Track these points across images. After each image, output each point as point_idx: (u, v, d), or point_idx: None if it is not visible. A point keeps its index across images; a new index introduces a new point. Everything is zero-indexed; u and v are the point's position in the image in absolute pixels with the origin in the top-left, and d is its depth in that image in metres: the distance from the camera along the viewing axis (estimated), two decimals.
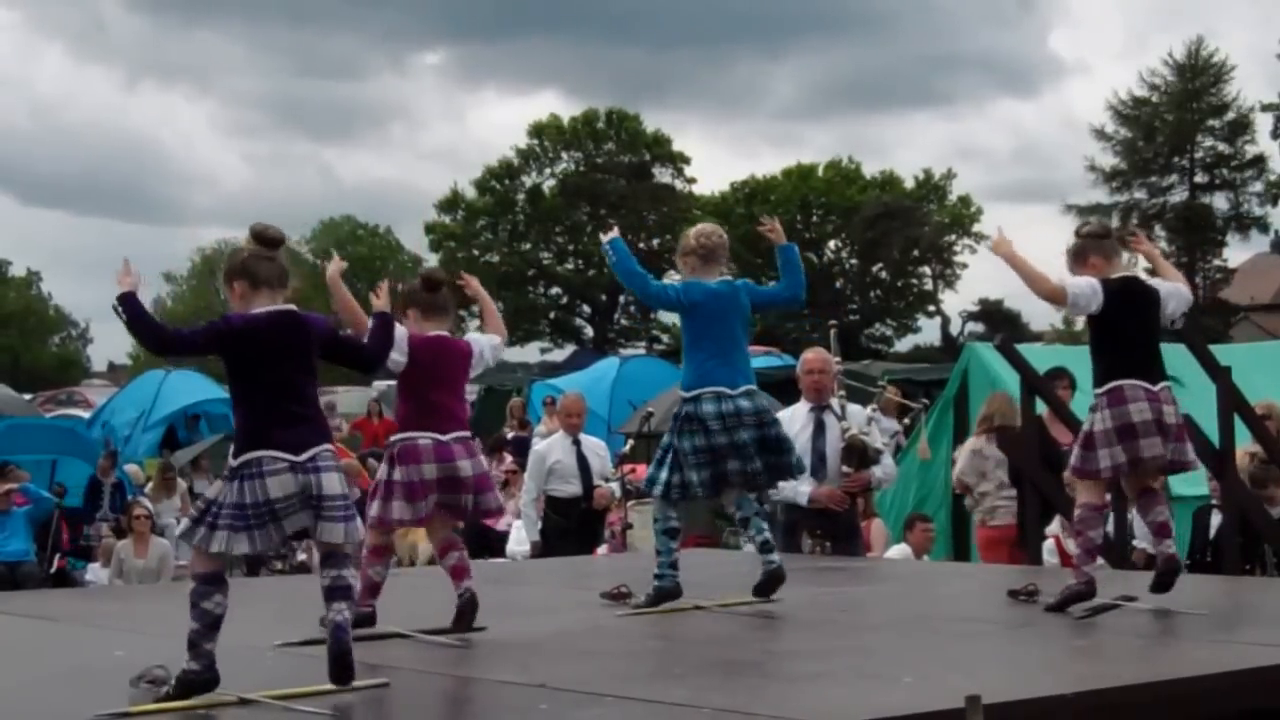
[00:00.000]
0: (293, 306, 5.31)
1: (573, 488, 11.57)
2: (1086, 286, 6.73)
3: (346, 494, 5.26)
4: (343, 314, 6.61)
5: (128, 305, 5.13)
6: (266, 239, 5.34)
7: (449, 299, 6.74)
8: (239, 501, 5.05)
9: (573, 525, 11.55)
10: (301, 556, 14.42)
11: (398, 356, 6.32)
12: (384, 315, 5.77)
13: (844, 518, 9.51)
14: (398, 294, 6.41)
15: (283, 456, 5.07)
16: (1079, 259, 6.90)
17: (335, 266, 6.42)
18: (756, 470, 7.06)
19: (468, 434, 6.55)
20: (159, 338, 5.32)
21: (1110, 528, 10.49)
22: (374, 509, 6.39)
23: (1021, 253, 6.92)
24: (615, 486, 12.22)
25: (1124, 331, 6.77)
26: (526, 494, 11.93)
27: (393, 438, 6.54)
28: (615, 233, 7.23)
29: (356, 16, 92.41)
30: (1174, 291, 6.97)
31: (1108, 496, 7.37)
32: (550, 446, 11.86)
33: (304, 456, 5.09)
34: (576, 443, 11.71)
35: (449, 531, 6.57)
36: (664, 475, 7.07)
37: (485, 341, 6.82)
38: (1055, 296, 6.87)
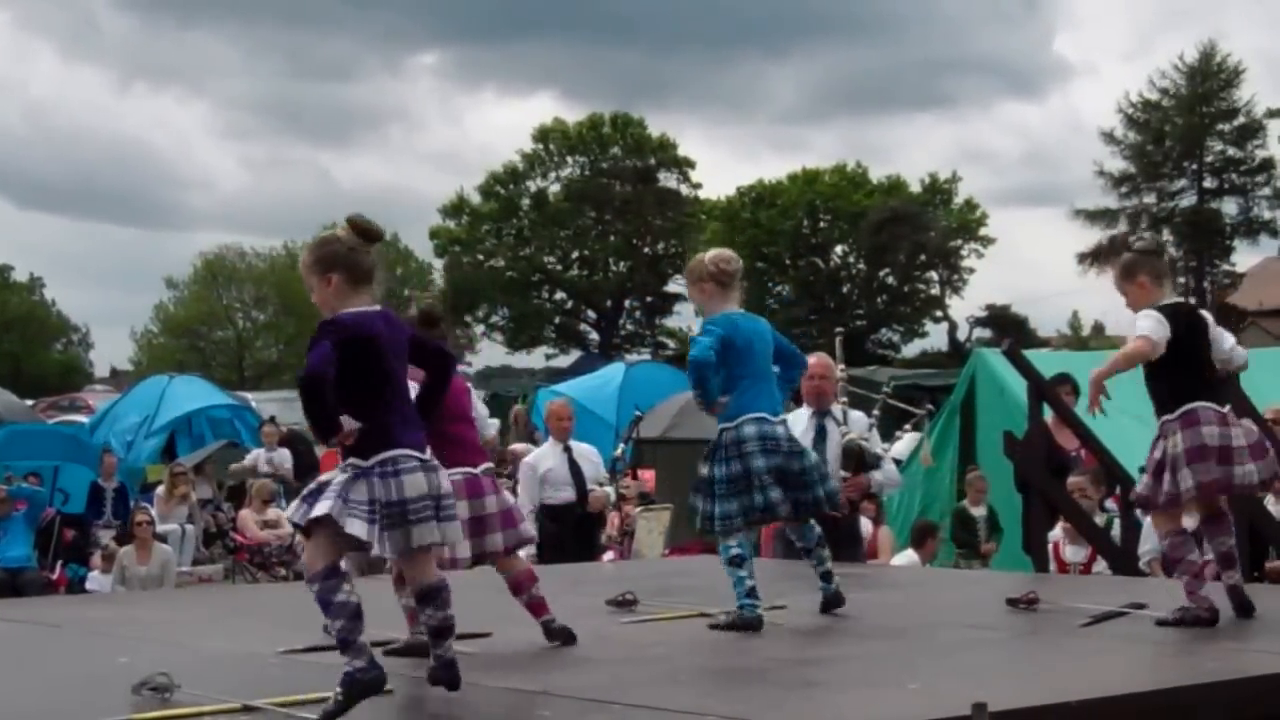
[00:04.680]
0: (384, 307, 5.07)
1: (566, 494, 11.49)
2: (1157, 323, 6.60)
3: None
4: None
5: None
6: (370, 232, 5.01)
7: (446, 334, 6.67)
8: (372, 497, 4.76)
9: (568, 531, 11.49)
10: None
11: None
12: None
13: (844, 524, 9.47)
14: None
15: (414, 455, 4.85)
16: (1128, 275, 6.80)
17: None
18: (803, 501, 6.89)
19: (492, 466, 6.52)
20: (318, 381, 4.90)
21: (1116, 532, 10.50)
22: None
23: (1104, 365, 6.77)
24: (610, 490, 12.16)
25: (1189, 355, 6.67)
26: (521, 507, 11.79)
27: None
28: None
29: (350, 17, 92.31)
30: (1227, 337, 6.93)
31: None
32: (541, 455, 11.78)
33: (428, 455, 4.91)
34: (568, 449, 11.65)
35: (515, 567, 6.47)
36: (712, 508, 6.83)
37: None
38: (1143, 354, 6.63)
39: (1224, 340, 6.89)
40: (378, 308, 4.99)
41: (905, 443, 13.39)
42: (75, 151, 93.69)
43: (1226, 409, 6.68)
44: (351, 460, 4.85)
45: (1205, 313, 7.01)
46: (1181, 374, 6.68)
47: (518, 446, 17.42)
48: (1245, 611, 6.72)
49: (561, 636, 6.27)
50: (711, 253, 7.10)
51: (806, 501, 6.94)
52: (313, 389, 4.78)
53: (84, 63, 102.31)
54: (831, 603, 7.14)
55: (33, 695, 5.51)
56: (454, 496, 5.31)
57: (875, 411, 10.28)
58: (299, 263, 5.20)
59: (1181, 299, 6.97)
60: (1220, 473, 6.55)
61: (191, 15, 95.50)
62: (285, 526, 17.77)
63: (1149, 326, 6.63)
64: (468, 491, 6.17)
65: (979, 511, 12.73)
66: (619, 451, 13.53)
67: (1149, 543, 10.62)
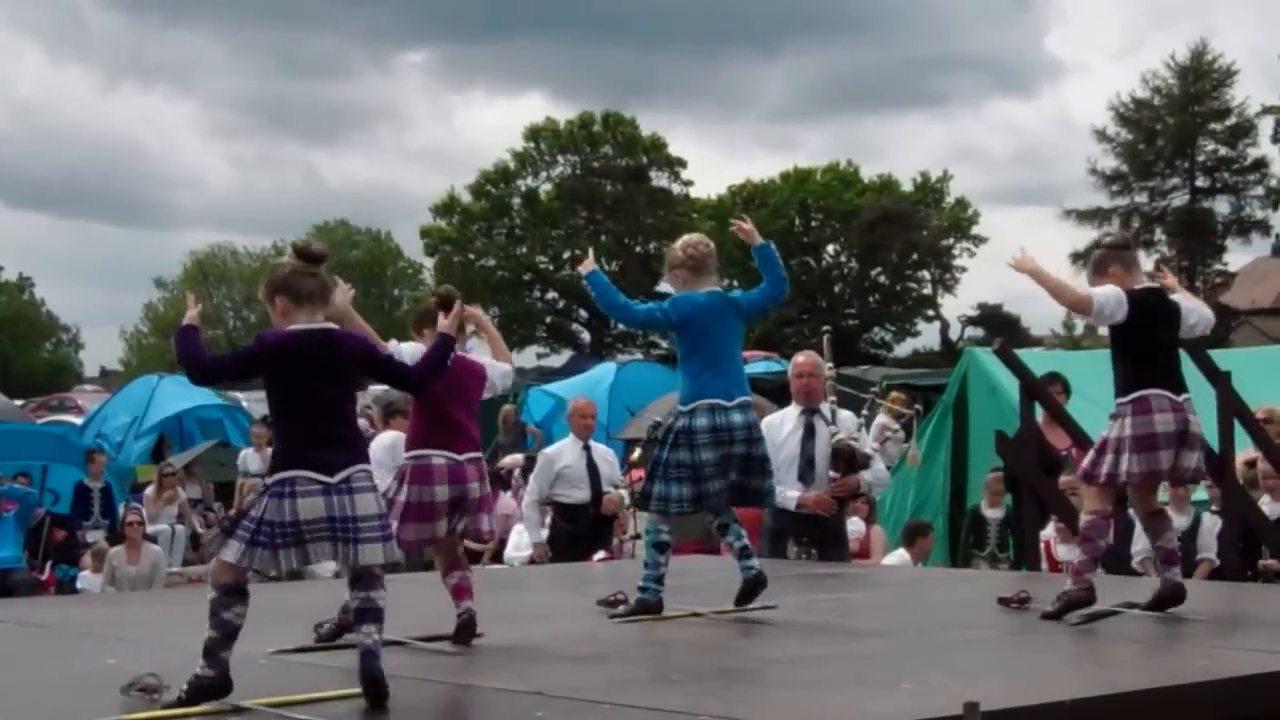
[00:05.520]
0: (331, 325, 5.31)
1: (582, 493, 11.41)
2: (1113, 296, 6.75)
3: (383, 513, 5.27)
4: None
5: (181, 339, 5.23)
6: (309, 255, 5.33)
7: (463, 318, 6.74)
8: (268, 519, 5.03)
9: (582, 531, 11.44)
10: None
11: None
12: (447, 338, 5.75)
13: (831, 523, 9.46)
14: (411, 313, 6.47)
15: (316, 478, 5.04)
16: (1099, 269, 6.92)
17: (345, 295, 6.27)
18: (735, 486, 7.00)
19: (480, 455, 6.59)
20: (198, 368, 5.33)
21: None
22: None
23: (1043, 265, 6.93)
24: (624, 493, 12.13)
25: (1149, 341, 6.78)
26: (529, 495, 11.75)
27: (405, 455, 6.50)
28: (591, 264, 7.21)
29: (338, 15, 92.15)
30: (1196, 308, 7.06)
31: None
32: (560, 450, 11.67)
33: (337, 478, 5.06)
34: (587, 448, 11.57)
35: (456, 551, 6.59)
36: (652, 489, 7.04)
37: (497, 368, 6.86)
38: (1080, 306, 6.91)
39: (1190, 317, 6.97)
40: (318, 326, 5.24)
41: (872, 432, 13.35)
42: (63, 150, 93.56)
43: (1183, 398, 6.75)
44: (265, 478, 5.19)
45: (1181, 298, 7.02)
46: (1139, 360, 6.78)
47: (508, 460, 17.64)
48: (1166, 604, 6.77)
49: (468, 625, 6.33)
50: (682, 239, 7.35)
51: (748, 489, 7.05)
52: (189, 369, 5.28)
53: (71, 61, 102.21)
54: (751, 586, 6.99)
55: (22, 696, 5.49)
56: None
57: (864, 411, 10.26)
58: None
59: (1155, 285, 7.00)
60: (1167, 460, 6.66)
61: (178, 13, 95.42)
62: None
63: (1104, 295, 6.74)
64: (450, 476, 6.38)
65: (994, 514, 12.64)
66: (635, 455, 13.51)
67: (1141, 542, 10.63)
